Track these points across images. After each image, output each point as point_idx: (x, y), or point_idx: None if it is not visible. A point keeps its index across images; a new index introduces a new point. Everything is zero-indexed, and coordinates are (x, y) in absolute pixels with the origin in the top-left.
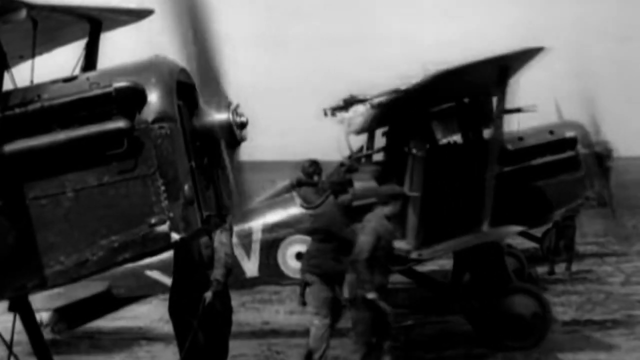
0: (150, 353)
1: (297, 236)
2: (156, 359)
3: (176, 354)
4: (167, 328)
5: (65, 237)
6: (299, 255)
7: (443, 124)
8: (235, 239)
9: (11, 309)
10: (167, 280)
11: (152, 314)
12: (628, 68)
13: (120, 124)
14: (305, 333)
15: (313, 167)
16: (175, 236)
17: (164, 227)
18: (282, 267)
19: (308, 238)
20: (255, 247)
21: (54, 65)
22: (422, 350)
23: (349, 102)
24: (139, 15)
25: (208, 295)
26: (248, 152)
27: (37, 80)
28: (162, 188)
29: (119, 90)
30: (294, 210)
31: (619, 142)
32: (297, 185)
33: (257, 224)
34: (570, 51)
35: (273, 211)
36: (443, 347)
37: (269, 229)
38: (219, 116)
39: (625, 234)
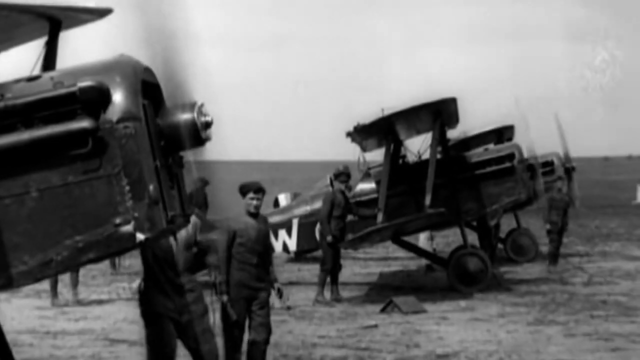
0: (114, 354)
1: None
2: None
3: (141, 355)
4: (132, 329)
5: (29, 237)
6: None
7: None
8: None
9: None
10: None
11: (115, 314)
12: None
13: (84, 123)
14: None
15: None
16: (140, 236)
17: (128, 227)
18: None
19: None
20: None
21: (10, 64)
22: (385, 351)
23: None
24: (98, 14)
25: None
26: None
27: None
28: (127, 188)
29: (83, 90)
30: None
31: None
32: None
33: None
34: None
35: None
36: (407, 346)
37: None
38: (184, 115)
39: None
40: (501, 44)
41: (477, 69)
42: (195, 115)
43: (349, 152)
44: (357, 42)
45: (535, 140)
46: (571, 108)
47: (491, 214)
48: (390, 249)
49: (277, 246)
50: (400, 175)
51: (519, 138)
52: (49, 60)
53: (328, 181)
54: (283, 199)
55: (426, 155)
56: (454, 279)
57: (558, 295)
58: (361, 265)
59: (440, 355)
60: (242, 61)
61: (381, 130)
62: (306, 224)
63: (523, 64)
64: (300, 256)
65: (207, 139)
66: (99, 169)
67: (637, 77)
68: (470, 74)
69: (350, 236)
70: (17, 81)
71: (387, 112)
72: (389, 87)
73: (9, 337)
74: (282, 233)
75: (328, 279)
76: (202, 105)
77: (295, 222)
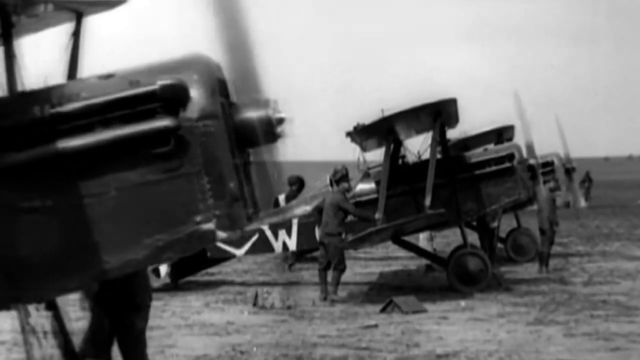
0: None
1: None
2: None
3: None
4: None
5: (110, 236)
6: None
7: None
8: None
9: (48, 307)
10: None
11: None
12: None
13: (166, 122)
14: (269, 332)
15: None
16: (221, 234)
17: (210, 225)
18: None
19: None
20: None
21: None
22: (385, 351)
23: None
24: (111, 5)
25: None
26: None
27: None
28: (208, 186)
29: (164, 88)
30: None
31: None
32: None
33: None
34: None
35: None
36: (407, 346)
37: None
38: (259, 112)
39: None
40: (501, 43)
41: (477, 68)
42: (270, 111)
43: (349, 152)
44: (356, 42)
45: (535, 141)
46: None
47: (491, 215)
48: (390, 249)
49: (277, 246)
50: (399, 175)
51: (518, 137)
52: (74, 52)
53: (328, 181)
54: (283, 200)
55: (426, 156)
56: (453, 279)
57: (558, 295)
58: (361, 265)
59: (440, 355)
60: None
61: (381, 131)
62: (306, 224)
63: (522, 64)
64: (300, 256)
65: (281, 135)
66: (180, 168)
67: (637, 77)
68: (469, 73)
69: (350, 236)
70: (90, 79)
71: (387, 113)
72: (388, 88)
73: (9, 337)
74: (282, 233)
75: (329, 279)
76: (276, 101)
77: (295, 222)
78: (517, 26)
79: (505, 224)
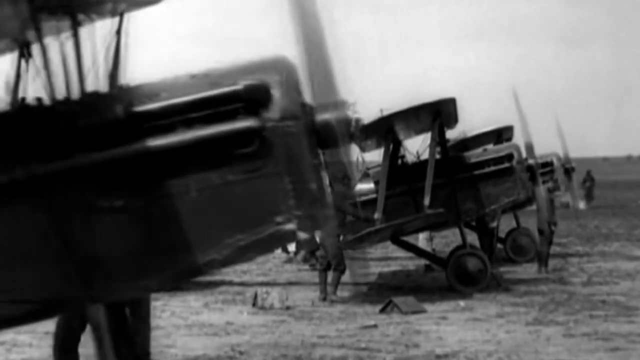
0: None
1: None
2: None
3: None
4: None
5: (191, 236)
6: None
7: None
8: None
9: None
10: None
11: None
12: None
13: (250, 122)
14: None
15: None
16: (302, 235)
17: (290, 226)
18: None
19: None
20: None
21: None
22: (384, 351)
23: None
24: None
25: None
26: None
27: None
28: (289, 187)
29: (248, 89)
30: None
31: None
32: None
33: None
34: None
35: None
36: (406, 346)
37: None
38: (337, 113)
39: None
40: (500, 43)
41: (476, 68)
42: (348, 113)
43: None
44: (355, 40)
45: (535, 141)
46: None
47: (490, 215)
48: (389, 249)
49: None
50: (399, 175)
51: (518, 137)
52: (117, 48)
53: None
54: None
55: (425, 156)
56: (453, 279)
57: (557, 296)
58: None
59: (440, 355)
60: None
61: (380, 131)
62: None
63: (521, 64)
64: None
65: (356, 136)
66: (262, 169)
67: (636, 77)
68: (468, 73)
69: (349, 236)
70: (170, 79)
71: (385, 113)
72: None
73: (9, 337)
74: None
75: (329, 279)
76: (353, 103)
77: None
78: (516, 26)
79: (504, 224)
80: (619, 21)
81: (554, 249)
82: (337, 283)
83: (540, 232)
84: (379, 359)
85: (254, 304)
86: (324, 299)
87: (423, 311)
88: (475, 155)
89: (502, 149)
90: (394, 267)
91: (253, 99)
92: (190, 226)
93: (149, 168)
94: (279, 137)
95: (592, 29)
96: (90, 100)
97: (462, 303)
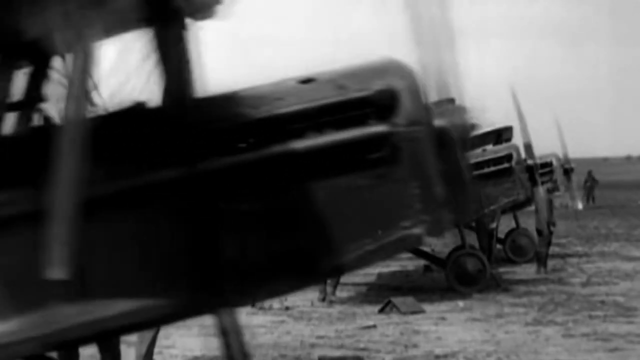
0: None
1: None
2: None
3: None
4: None
5: (319, 240)
6: None
7: None
8: None
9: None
10: None
11: None
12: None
13: (382, 128)
14: (265, 334)
15: None
16: (429, 239)
17: (417, 230)
18: None
19: None
20: None
21: None
22: (383, 352)
23: None
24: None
25: None
26: None
27: None
28: (417, 191)
29: (378, 94)
30: None
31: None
32: None
33: None
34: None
35: None
36: (406, 347)
37: None
38: (459, 118)
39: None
40: (499, 42)
41: (476, 68)
42: (468, 117)
43: None
44: (354, 38)
45: (534, 141)
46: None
47: (490, 215)
48: None
49: None
50: None
51: (517, 137)
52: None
53: None
54: None
55: None
56: (452, 280)
57: (556, 296)
58: None
59: (439, 355)
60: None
61: None
62: None
63: (521, 64)
64: None
65: (473, 140)
66: (391, 174)
67: (636, 77)
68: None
69: None
70: (287, 82)
71: None
72: None
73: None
74: None
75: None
76: (470, 107)
77: None
78: (515, 26)
79: (504, 225)
80: (619, 21)
81: (553, 249)
82: (336, 283)
83: (539, 232)
84: (378, 359)
85: (252, 305)
86: (323, 300)
87: (422, 311)
88: (474, 155)
89: (501, 150)
90: (393, 267)
91: (383, 104)
92: (320, 231)
93: (277, 172)
94: (407, 142)
95: (592, 29)
96: (208, 103)
97: (461, 303)
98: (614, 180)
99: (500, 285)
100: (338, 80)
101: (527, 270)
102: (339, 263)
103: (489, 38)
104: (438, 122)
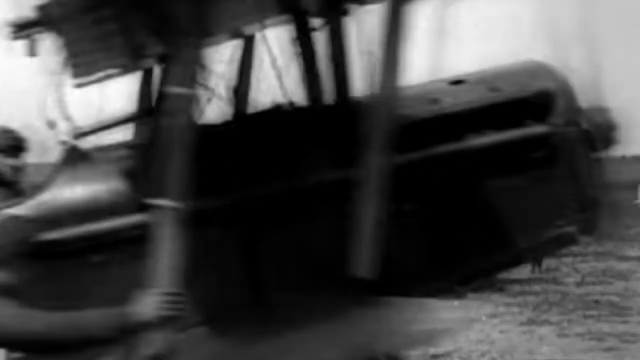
0: None
1: None
2: None
3: None
4: None
5: (481, 239)
6: None
7: None
8: None
9: None
10: None
11: None
12: None
13: (542, 128)
14: None
15: None
16: (582, 239)
17: (571, 229)
18: None
19: None
20: None
21: None
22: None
23: None
24: None
25: None
26: None
27: None
28: (573, 192)
29: (536, 95)
30: None
31: None
32: None
33: None
34: None
35: None
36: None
37: None
38: (605, 118)
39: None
40: (498, 42)
41: (474, 68)
42: (613, 117)
43: None
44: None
45: None
46: None
47: None
48: None
49: None
50: None
51: None
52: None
53: None
54: None
55: None
56: None
57: (551, 296)
58: None
59: (434, 355)
60: None
61: None
62: None
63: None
64: None
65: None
66: (550, 174)
67: (634, 77)
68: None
69: None
70: (438, 83)
71: None
72: None
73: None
74: None
75: None
76: (611, 108)
77: None
78: (513, 25)
79: None
80: (620, 21)
81: None
82: None
83: None
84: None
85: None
86: None
87: None
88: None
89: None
90: None
91: (541, 105)
92: (480, 230)
93: (436, 173)
94: (564, 142)
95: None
96: (365, 103)
97: (456, 303)
98: (609, 180)
99: (494, 285)
100: (490, 82)
101: (522, 270)
102: (494, 263)
103: (488, 37)
104: (590, 122)
